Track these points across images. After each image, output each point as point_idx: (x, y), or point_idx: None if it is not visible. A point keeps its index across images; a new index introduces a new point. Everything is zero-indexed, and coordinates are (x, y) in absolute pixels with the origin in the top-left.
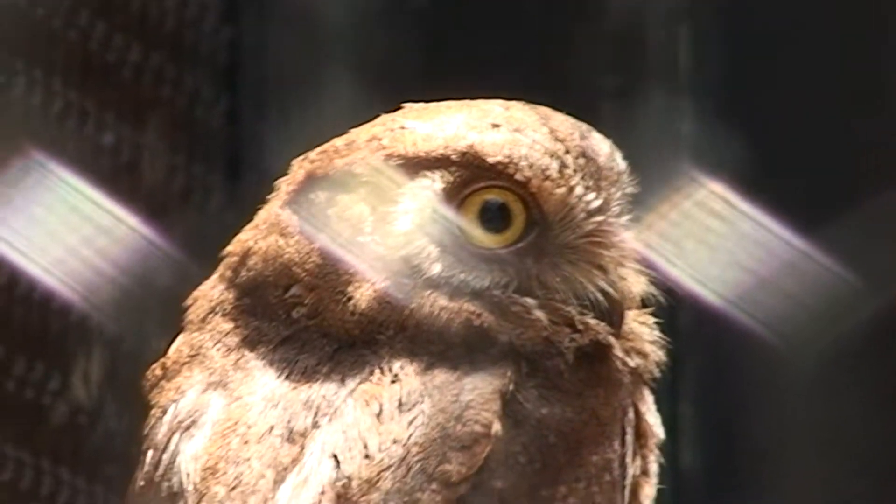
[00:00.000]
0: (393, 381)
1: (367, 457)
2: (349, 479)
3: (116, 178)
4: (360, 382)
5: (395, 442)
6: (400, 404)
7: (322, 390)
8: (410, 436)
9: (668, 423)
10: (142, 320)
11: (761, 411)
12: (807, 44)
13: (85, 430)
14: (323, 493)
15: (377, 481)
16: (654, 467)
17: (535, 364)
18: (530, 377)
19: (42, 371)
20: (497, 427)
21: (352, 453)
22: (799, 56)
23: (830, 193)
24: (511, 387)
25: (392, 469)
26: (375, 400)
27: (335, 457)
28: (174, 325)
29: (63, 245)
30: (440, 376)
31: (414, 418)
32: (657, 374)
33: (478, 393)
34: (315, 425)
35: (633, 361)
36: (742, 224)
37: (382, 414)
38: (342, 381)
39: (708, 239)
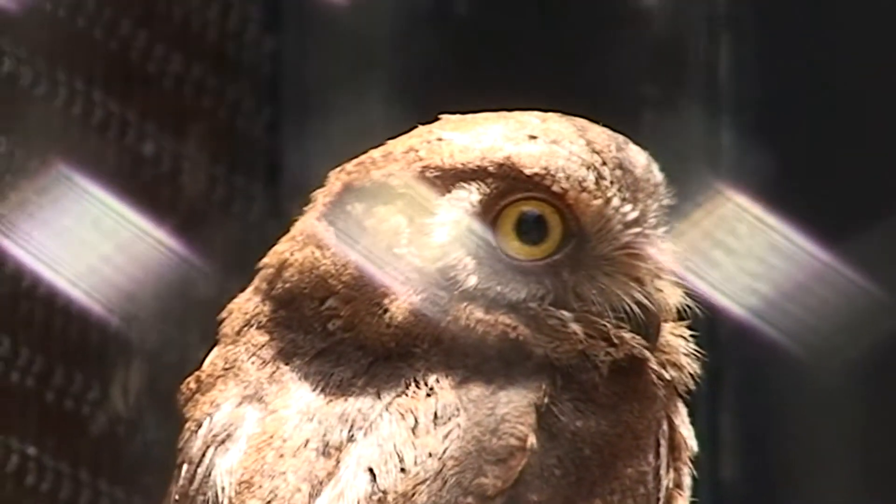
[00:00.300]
0: (428, 395)
1: (402, 470)
2: (385, 492)
3: (157, 188)
4: (396, 396)
5: (430, 455)
6: (435, 417)
7: (357, 404)
8: (446, 449)
9: (707, 436)
10: (182, 332)
11: (795, 423)
12: (844, 57)
13: (123, 440)
14: None
15: (413, 495)
16: (687, 480)
17: (571, 377)
18: (565, 390)
19: (81, 382)
20: (532, 440)
21: (387, 467)
22: (835, 70)
23: (858, 206)
24: (546, 400)
25: (428, 483)
26: (411, 413)
27: (371, 470)
28: (214, 336)
29: (102, 256)
30: (475, 389)
31: (449, 432)
32: (692, 386)
33: (513, 406)
34: (350, 439)
35: (669, 374)
36: (771, 236)
37: (418, 427)
38: (378, 394)
39: (737, 251)
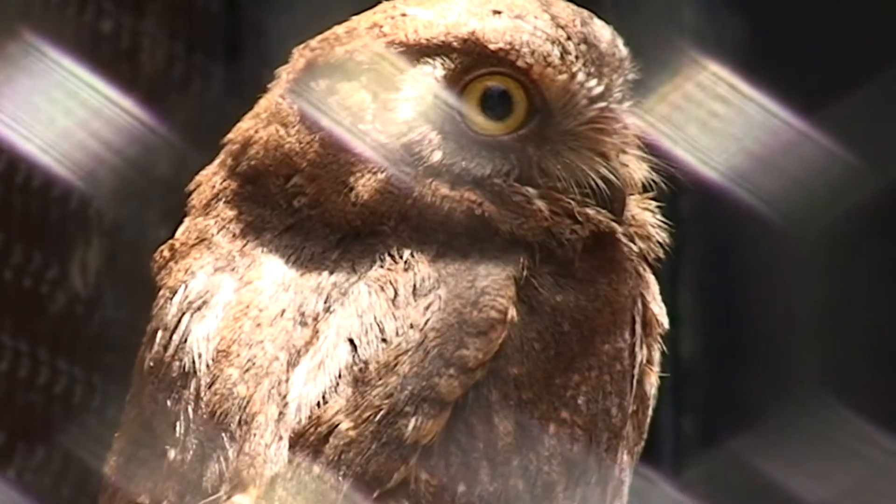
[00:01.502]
0: (406, 268)
1: (384, 340)
2: (366, 363)
3: (115, 65)
4: (372, 269)
5: (412, 326)
6: (415, 290)
7: (332, 277)
8: (427, 321)
9: (669, 311)
10: (141, 209)
11: (763, 293)
12: None
13: (83, 319)
14: (340, 376)
15: (395, 365)
16: (657, 356)
17: (549, 252)
18: (544, 264)
19: (40, 260)
20: (513, 313)
21: (368, 338)
22: None
23: (832, 74)
24: (525, 273)
25: (409, 353)
26: (391, 285)
27: (351, 341)
28: (174, 213)
29: (62, 132)
30: (453, 263)
31: (430, 303)
32: (661, 255)
33: (492, 279)
34: (328, 310)
35: (637, 245)
36: (743, 105)
37: (398, 299)
38: (353, 268)
39: (709, 121)
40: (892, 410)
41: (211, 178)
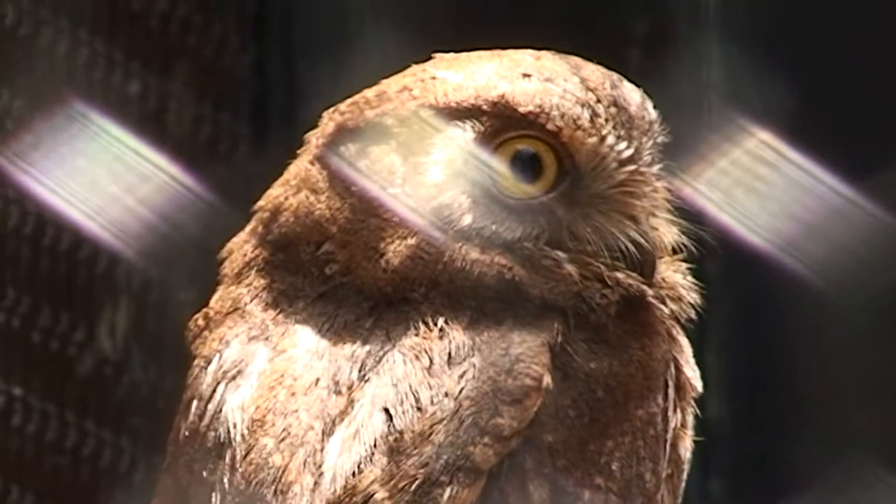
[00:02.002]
0: (441, 336)
1: (419, 409)
2: (401, 432)
3: (143, 127)
4: (407, 337)
5: (447, 395)
6: (450, 358)
7: (367, 345)
8: (462, 389)
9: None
10: (168, 271)
11: (798, 361)
12: None
13: (111, 381)
14: (375, 445)
15: (430, 434)
16: (690, 420)
17: (582, 317)
18: (578, 330)
19: (68, 322)
20: (548, 380)
21: (403, 407)
22: None
23: (878, 139)
24: (559, 339)
25: (445, 422)
26: (426, 354)
27: (386, 410)
28: (201, 276)
29: (89, 195)
30: (487, 330)
31: (465, 372)
32: (692, 317)
33: (527, 346)
34: (363, 378)
35: (669, 306)
36: (788, 171)
37: (433, 367)
38: (387, 335)
39: (753, 186)
40: None
41: (242, 246)
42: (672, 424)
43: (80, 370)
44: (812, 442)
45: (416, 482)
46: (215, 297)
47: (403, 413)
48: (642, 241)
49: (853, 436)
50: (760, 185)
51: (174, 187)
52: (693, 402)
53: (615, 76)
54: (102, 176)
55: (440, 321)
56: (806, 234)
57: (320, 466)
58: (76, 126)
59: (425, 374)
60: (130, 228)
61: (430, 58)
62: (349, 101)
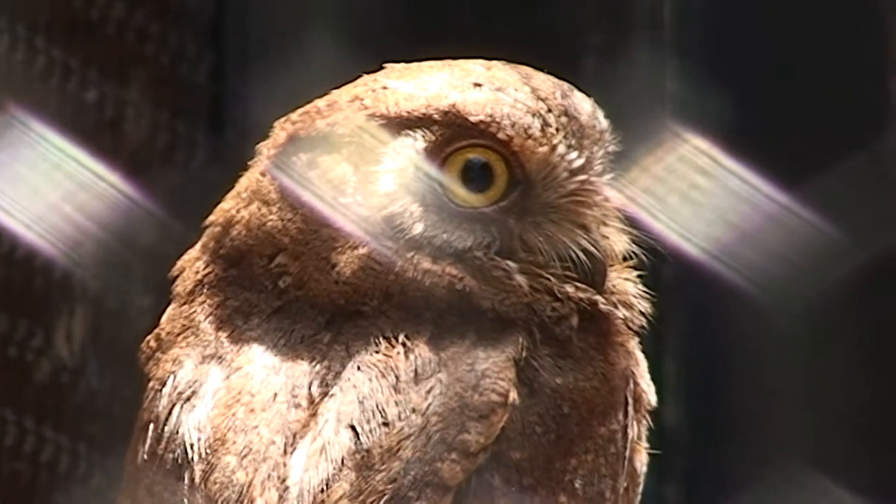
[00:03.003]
0: (405, 352)
1: (385, 425)
2: (368, 450)
3: (99, 134)
4: (368, 353)
5: (414, 411)
6: (416, 374)
7: (326, 360)
8: (429, 405)
9: (653, 380)
10: (124, 278)
11: (744, 367)
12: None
13: (68, 387)
14: (343, 462)
15: (398, 450)
16: (644, 432)
17: (548, 331)
18: (544, 345)
19: (25, 329)
20: (514, 395)
21: (370, 425)
22: (780, 10)
23: (814, 148)
24: (524, 353)
25: (412, 438)
26: (391, 371)
27: (353, 427)
28: (157, 283)
29: (45, 202)
30: (451, 346)
31: (431, 388)
32: (644, 324)
33: (492, 361)
34: (325, 394)
35: (621, 313)
36: (725, 179)
37: (399, 384)
38: (347, 351)
39: (691, 194)
40: (872, 483)
41: (194, 264)
42: (630, 439)
43: (38, 376)
44: (756, 448)
45: (385, 497)
46: (166, 316)
47: (370, 431)
48: (593, 249)
49: (792, 441)
50: (700, 193)
51: (130, 196)
52: (647, 416)
53: (566, 86)
54: (58, 185)
55: (402, 336)
56: (743, 242)
57: (284, 481)
58: (30, 136)
59: (391, 391)
60: (86, 237)
61: (381, 68)
62: (300, 111)
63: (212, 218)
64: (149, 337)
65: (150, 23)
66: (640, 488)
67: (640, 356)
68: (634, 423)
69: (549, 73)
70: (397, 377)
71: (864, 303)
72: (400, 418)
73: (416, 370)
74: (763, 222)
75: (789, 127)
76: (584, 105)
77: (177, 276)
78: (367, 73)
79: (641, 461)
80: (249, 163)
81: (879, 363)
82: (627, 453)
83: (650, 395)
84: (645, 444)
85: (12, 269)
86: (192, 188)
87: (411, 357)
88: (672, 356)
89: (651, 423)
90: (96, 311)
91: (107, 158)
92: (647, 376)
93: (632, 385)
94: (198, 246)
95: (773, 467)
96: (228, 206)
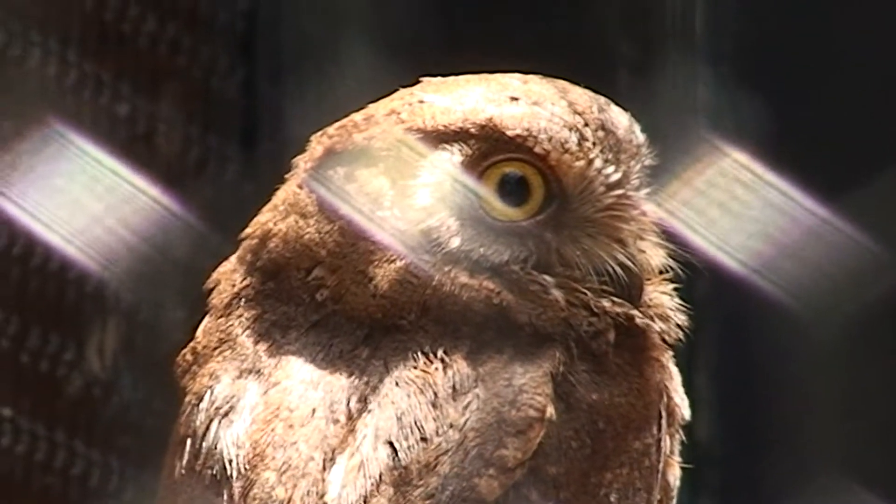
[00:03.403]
0: (443, 367)
1: (423, 440)
2: (406, 467)
3: (132, 148)
4: (407, 369)
5: (451, 427)
6: (454, 390)
7: (364, 375)
8: (467, 420)
9: (686, 394)
10: (157, 291)
11: (780, 381)
12: (826, 5)
13: (100, 401)
14: (381, 478)
15: (435, 465)
16: (677, 446)
17: (585, 346)
18: (581, 360)
19: (57, 343)
20: (551, 410)
21: (409, 441)
22: (816, 14)
23: (855, 161)
24: (562, 368)
25: (450, 454)
26: (430, 387)
27: (391, 443)
28: (191, 296)
29: (78, 215)
30: (489, 361)
31: (469, 403)
32: (680, 337)
33: (529, 377)
34: (364, 410)
35: (658, 326)
36: (763, 191)
37: (437, 399)
38: (385, 366)
39: (729, 206)
40: None
41: (230, 276)
42: (663, 454)
43: (70, 390)
44: (792, 461)
45: None
46: (202, 328)
47: (409, 447)
48: (630, 264)
49: (830, 454)
50: (739, 205)
51: (163, 208)
52: (680, 429)
53: (603, 100)
54: (92, 198)
55: (440, 352)
56: (783, 255)
57: (323, 497)
58: (65, 148)
59: (429, 407)
60: (120, 249)
61: (417, 81)
62: (337, 124)
63: (248, 230)
64: (184, 350)
65: (182, 36)
66: (674, 503)
67: (674, 370)
68: (667, 436)
69: (584, 85)
70: (435, 393)
71: None
72: (438, 434)
73: (453, 386)
74: (802, 235)
75: (828, 137)
76: (620, 119)
77: (212, 289)
78: (404, 86)
79: (675, 475)
80: (285, 176)
81: None
82: (661, 467)
83: (684, 409)
84: (678, 458)
85: (45, 282)
86: (225, 201)
87: (449, 373)
88: (706, 370)
89: (685, 437)
90: (129, 323)
91: (140, 171)
92: (681, 390)
93: (665, 399)
94: (234, 258)
95: (809, 481)
96: (265, 218)
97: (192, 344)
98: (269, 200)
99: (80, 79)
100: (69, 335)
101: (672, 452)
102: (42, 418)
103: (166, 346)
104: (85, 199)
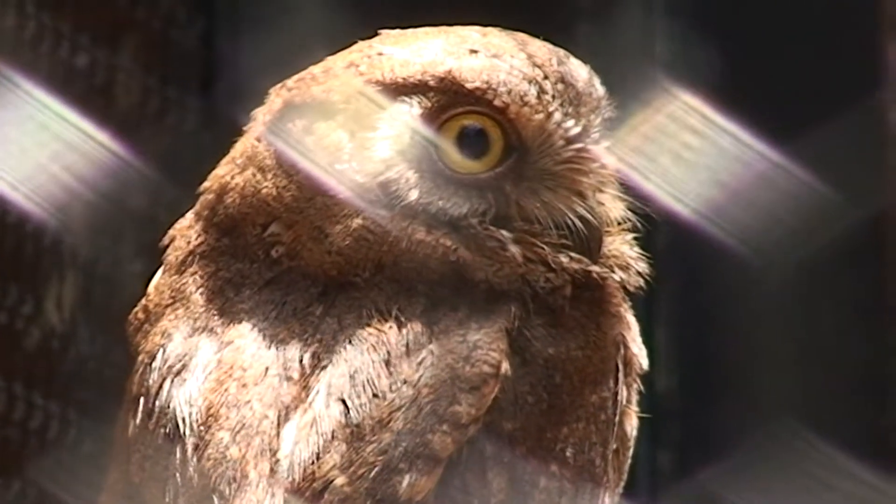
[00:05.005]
0: (398, 326)
1: (375, 396)
2: (358, 425)
3: (90, 99)
4: (360, 326)
5: (405, 383)
6: (407, 347)
7: (317, 333)
8: (420, 377)
9: (645, 346)
10: (115, 243)
11: (736, 328)
12: None
13: (58, 354)
14: (333, 436)
15: (388, 422)
16: (635, 396)
17: (541, 300)
18: (537, 315)
19: (15, 295)
20: (506, 366)
21: (361, 399)
22: None
23: (806, 105)
24: (517, 323)
25: (403, 409)
26: (383, 345)
27: (343, 401)
28: (148, 247)
29: (36, 167)
30: (443, 318)
31: (423, 359)
32: (641, 286)
33: (484, 332)
34: (317, 367)
35: (618, 276)
36: (717, 137)
37: (391, 358)
38: (339, 324)
39: (682, 153)
40: (866, 443)
41: (186, 232)
42: (619, 407)
43: (28, 343)
44: (748, 408)
45: (376, 469)
46: (153, 286)
47: (361, 405)
48: (589, 216)
49: (784, 400)
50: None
51: (121, 160)
52: (638, 379)
53: (562, 53)
54: (50, 150)
55: (394, 310)
56: (735, 202)
57: (276, 453)
58: (22, 100)
59: (382, 365)
60: (78, 202)
61: (376, 34)
62: (296, 77)
63: (206, 184)
64: (136, 309)
65: None
66: (631, 452)
67: (632, 320)
68: (625, 387)
69: (543, 38)
70: (388, 352)
71: (856, 262)
72: (391, 390)
73: (407, 343)
74: (754, 181)
75: (781, 84)
76: (580, 72)
77: (168, 245)
78: (362, 38)
79: (632, 425)
80: (243, 128)
81: (870, 323)
82: (617, 419)
83: (641, 359)
84: (635, 408)
85: (2, 235)
86: (183, 152)
87: (403, 331)
88: (664, 321)
89: (643, 387)
90: (87, 276)
91: (98, 123)
92: (639, 340)
93: (622, 350)
94: (190, 214)
95: (766, 428)
96: (223, 171)
97: (143, 302)
98: (227, 152)
99: (38, 31)
100: (27, 288)
101: (629, 402)
102: (1, 371)
103: (124, 298)
104: (42, 151)
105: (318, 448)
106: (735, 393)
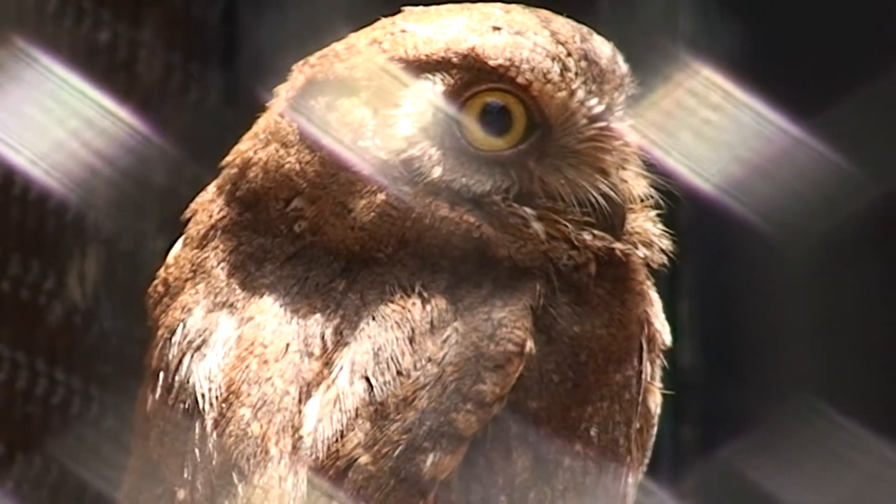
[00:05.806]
0: (421, 302)
1: (400, 374)
2: (382, 403)
3: (112, 76)
4: (384, 303)
5: (429, 361)
6: (432, 325)
7: (340, 309)
8: (445, 355)
9: (668, 322)
10: (138, 219)
11: (758, 303)
12: None
13: (80, 330)
14: (357, 413)
15: (413, 400)
16: (658, 372)
17: (566, 278)
18: (562, 292)
19: (38, 271)
20: (530, 344)
21: (385, 377)
22: None
23: (828, 80)
24: (541, 301)
25: (428, 388)
26: (407, 322)
27: (367, 379)
28: (170, 223)
29: (59, 143)
30: (467, 295)
31: (447, 337)
32: (665, 262)
33: (508, 310)
34: (339, 343)
35: (641, 252)
36: (739, 113)
37: (415, 335)
38: (362, 300)
39: (705, 129)
40: (888, 419)
41: (208, 206)
42: (643, 385)
43: (50, 319)
44: (770, 383)
45: (400, 448)
46: (171, 259)
47: (385, 383)
48: (612, 194)
49: (807, 376)
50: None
51: (144, 136)
52: (662, 355)
53: (585, 30)
54: (72, 126)
55: (417, 286)
56: (757, 177)
57: (298, 430)
58: (45, 77)
59: (406, 342)
60: (100, 178)
61: (399, 11)
62: (319, 54)
63: (229, 159)
64: (155, 282)
65: None
66: (655, 429)
67: (655, 296)
68: (648, 364)
69: (566, 15)
70: (412, 328)
71: (878, 237)
72: (415, 368)
73: (431, 321)
74: (777, 157)
75: (803, 60)
76: (603, 49)
77: (190, 218)
78: (385, 15)
79: (656, 402)
80: (265, 104)
81: (892, 298)
82: (640, 397)
83: (665, 335)
84: (659, 384)
85: (25, 211)
86: (205, 128)
87: (427, 307)
88: (687, 296)
89: (666, 363)
90: (109, 252)
91: (120, 99)
92: (662, 316)
93: (646, 328)
94: (212, 187)
95: (788, 403)
96: (246, 146)
97: (163, 274)
98: (249, 128)
99: (61, 6)
100: (49, 264)
101: (653, 379)
102: (22, 347)
103: (146, 274)
104: (65, 127)
105: (342, 426)
106: (757, 369)
